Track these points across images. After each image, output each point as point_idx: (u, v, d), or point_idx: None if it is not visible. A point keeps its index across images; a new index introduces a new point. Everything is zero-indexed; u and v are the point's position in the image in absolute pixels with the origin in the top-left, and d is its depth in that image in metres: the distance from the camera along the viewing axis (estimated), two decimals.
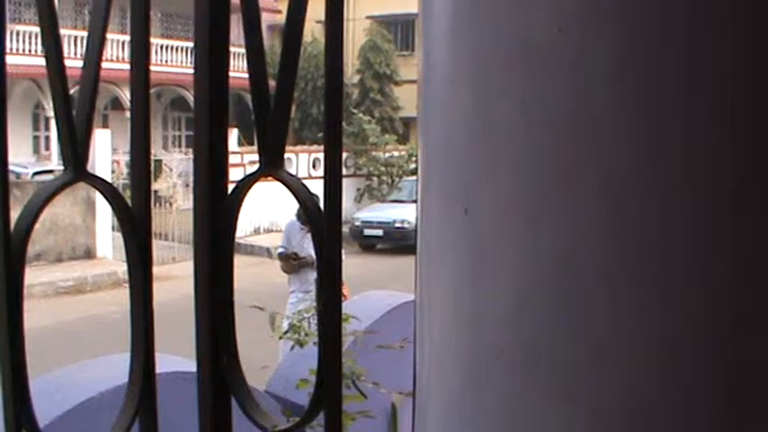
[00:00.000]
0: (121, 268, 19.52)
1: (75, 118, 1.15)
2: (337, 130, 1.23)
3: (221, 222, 1.26)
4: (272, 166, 1.24)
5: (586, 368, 0.82)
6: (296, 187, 1.23)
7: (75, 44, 27.00)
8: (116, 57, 24.20)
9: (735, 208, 0.78)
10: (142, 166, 1.24)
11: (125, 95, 29.39)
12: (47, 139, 30.55)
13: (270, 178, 1.26)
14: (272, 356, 7.88)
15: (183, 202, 23.28)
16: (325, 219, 1.20)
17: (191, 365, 4.56)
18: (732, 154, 0.78)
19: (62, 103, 1.13)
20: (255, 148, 1.27)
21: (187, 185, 24.54)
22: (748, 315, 0.79)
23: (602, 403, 0.81)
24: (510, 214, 0.85)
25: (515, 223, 0.85)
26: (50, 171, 22.68)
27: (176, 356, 4.28)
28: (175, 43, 33.05)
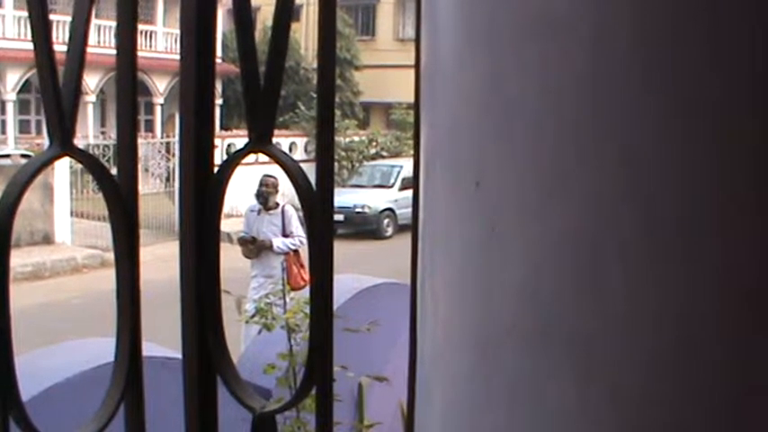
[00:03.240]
0: (81, 254, 19.36)
1: (61, 92, 1.12)
2: (329, 114, 1.22)
3: (208, 200, 1.24)
4: (261, 141, 1.22)
5: (603, 344, 0.81)
6: (286, 163, 1.21)
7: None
8: None
9: (756, 184, 0.78)
10: (129, 143, 1.22)
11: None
12: (2, 123, 30.18)
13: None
14: (234, 341, 7.84)
15: (143, 186, 23.11)
16: (318, 198, 1.19)
17: (164, 351, 4.52)
18: (755, 130, 0.77)
19: (49, 76, 1.11)
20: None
21: (146, 170, 24.38)
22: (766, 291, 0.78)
23: (621, 380, 0.80)
24: (525, 186, 0.84)
25: (530, 195, 0.84)
26: (7, 156, 22.40)
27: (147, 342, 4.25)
28: None
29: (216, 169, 1.25)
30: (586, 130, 0.81)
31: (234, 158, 1.24)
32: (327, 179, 1.21)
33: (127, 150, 1.22)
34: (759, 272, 0.78)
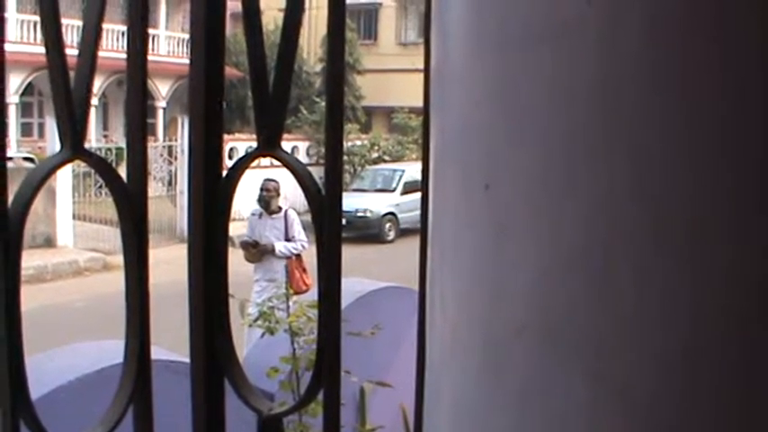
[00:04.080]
0: (83, 257, 19.34)
1: (73, 96, 1.13)
2: (338, 118, 1.23)
3: (217, 202, 1.25)
4: (269, 145, 1.23)
5: (613, 346, 0.81)
6: (295, 167, 1.22)
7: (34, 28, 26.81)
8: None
9: (765, 185, 0.78)
10: (138, 145, 1.23)
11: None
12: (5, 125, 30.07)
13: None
14: (236, 344, 7.82)
15: None
16: (326, 201, 1.20)
17: (167, 354, 4.50)
18: (764, 130, 0.78)
19: (60, 80, 1.12)
20: None
21: (149, 173, 24.36)
22: None
23: (631, 382, 0.81)
24: (534, 189, 0.85)
25: (540, 198, 0.85)
26: (10, 158, 22.37)
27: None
28: None
29: (224, 173, 1.26)
30: (596, 133, 0.81)
31: (242, 162, 1.25)
32: (336, 182, 1.22)
33: (136, 154, 1.22)
34: (767, 272, 0.79)
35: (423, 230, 1.05)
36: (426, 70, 1.04)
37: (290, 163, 1.22)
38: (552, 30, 0.83)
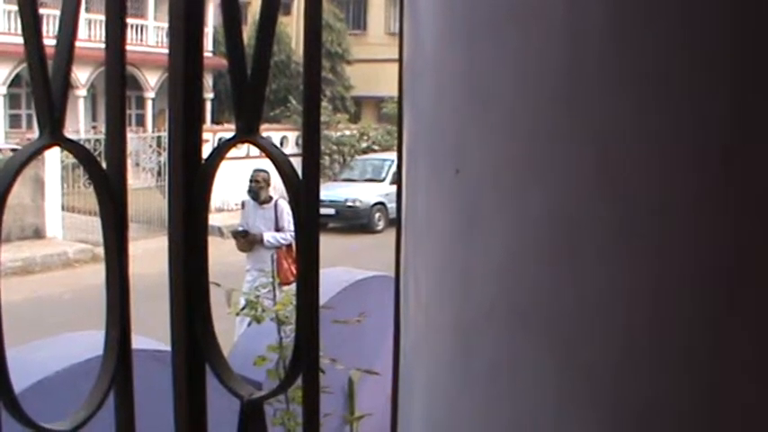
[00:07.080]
0: (72, 248, 19.29)
1: (51, 82, 1.13)
2: (316, 104, 1.24)
3: (197, 189, 1.25)
4: (248, 131, 1.24)
5: (580, 326, 0.83)
6: (272, 152, 1.23)
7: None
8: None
9: (728, 164, 0.79)
10: (117, 133, 1.23)
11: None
12: None
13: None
14: (228, 333, 7.84)
15: (134, 181, 23.02)
16: (304, 185, 1.20)
17: (155, 344, 4.50)
18: (726, 113, 0.79)
19: (38, 66, 1.12)
20: None
21: (137, 164, 24.32)
22: (738, 268, 0.80)
23: (598, 361, 0.82)
24: (503, 172, 0.86)
25: (508, 181, 0.86)
26: None
27: (138, 335, 4.25)
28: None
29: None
30: (562, 117, 0.82)
31: (221, 148, 1.25)
32: (314, 169, 1.22)
33: (115, 140, 1.23)
34: (732, 252, 0.80)
35: (398, 218, 1.06)
36: (400, 60, 1.05)
37: (268, 150, 1.22)
38: (518, 16, 0.84)
